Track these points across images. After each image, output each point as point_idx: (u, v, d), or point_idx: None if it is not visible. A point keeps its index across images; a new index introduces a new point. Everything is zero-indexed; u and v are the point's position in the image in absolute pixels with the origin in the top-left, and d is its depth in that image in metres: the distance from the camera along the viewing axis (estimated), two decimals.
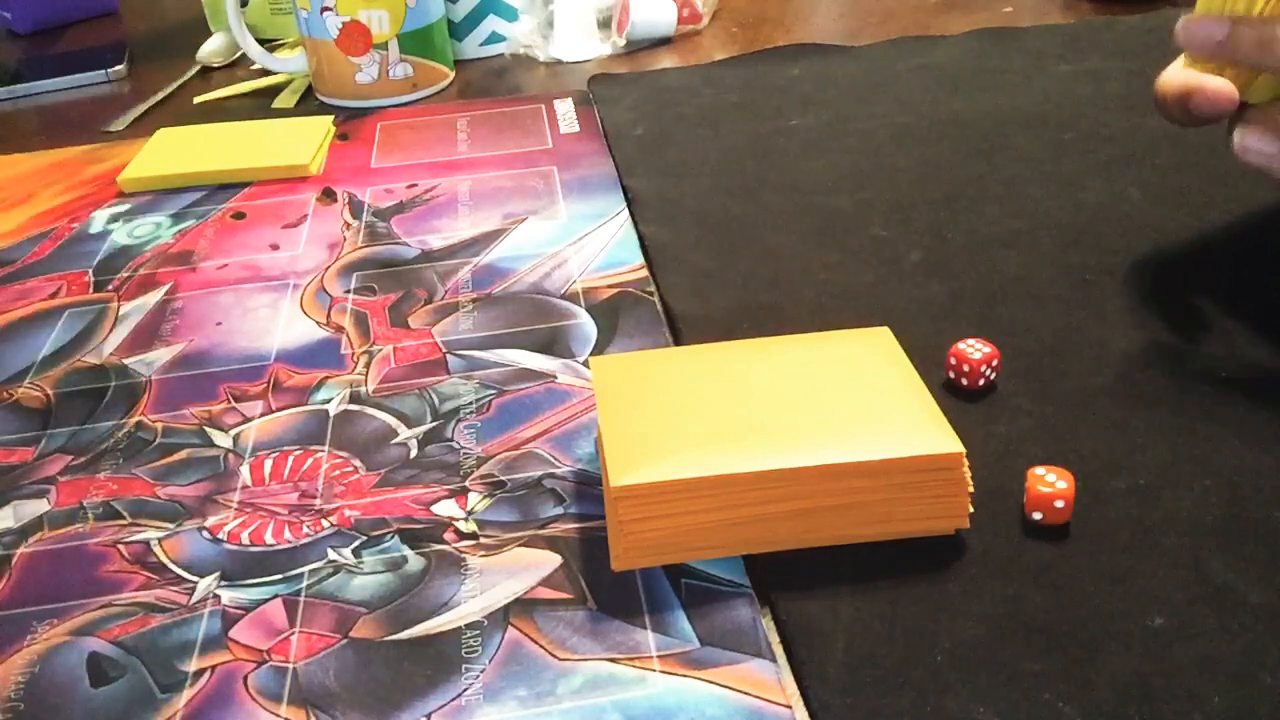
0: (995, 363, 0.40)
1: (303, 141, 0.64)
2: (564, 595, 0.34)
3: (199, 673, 0.32)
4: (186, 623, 0.34)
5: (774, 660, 0.31)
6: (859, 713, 0.29)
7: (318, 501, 0.38)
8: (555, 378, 0.43)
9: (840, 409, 0.34)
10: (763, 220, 0.53)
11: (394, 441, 0.41)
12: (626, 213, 0.55)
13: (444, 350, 0.46)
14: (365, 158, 0.64)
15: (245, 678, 0.32)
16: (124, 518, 0.38)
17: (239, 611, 0.34)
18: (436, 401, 0.43)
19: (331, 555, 0.36)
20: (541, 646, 0.32)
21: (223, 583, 0.35)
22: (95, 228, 0.58)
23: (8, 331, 0.50)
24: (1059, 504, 0.34)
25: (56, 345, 0.48)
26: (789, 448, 0.33)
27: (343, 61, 0.70)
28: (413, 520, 0.37)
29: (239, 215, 0.58)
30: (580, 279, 0.50)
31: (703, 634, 0.32)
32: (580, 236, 0.53)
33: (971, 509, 0.34)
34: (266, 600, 0.34)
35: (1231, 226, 0.49)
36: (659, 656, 0.31)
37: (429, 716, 0.30)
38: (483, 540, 0.36)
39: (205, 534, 0.37)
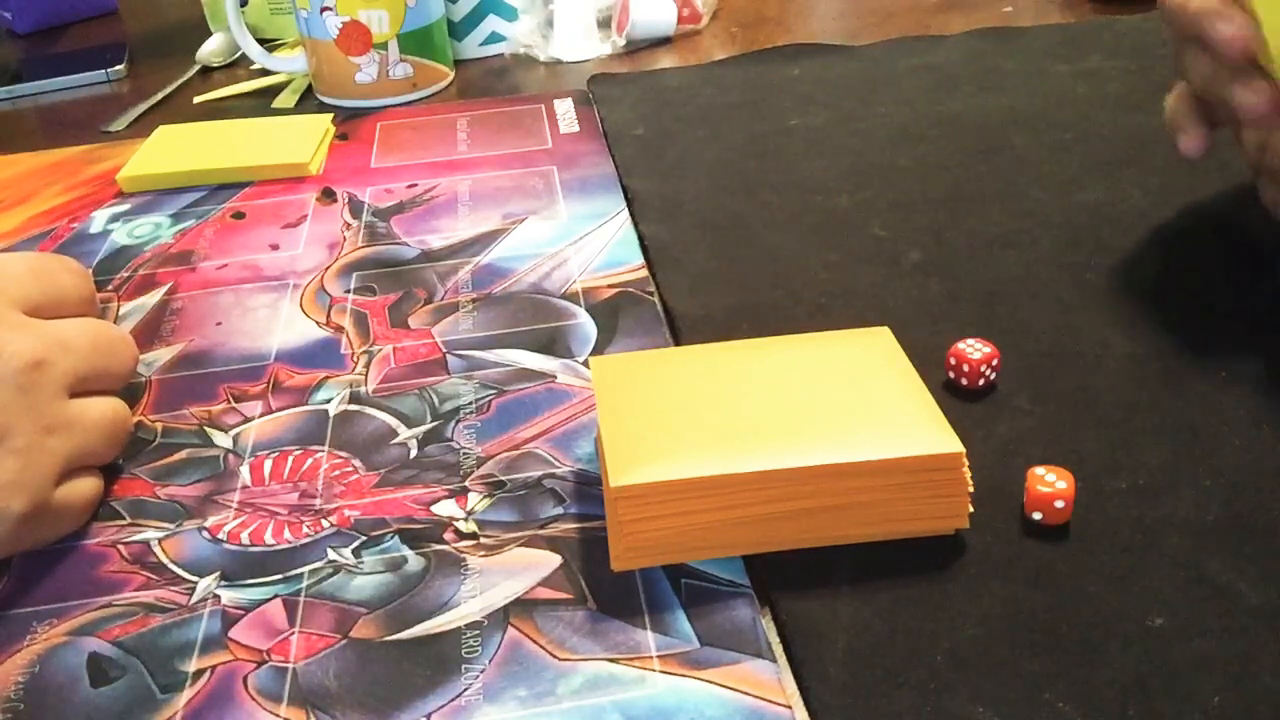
0: (995, 363, 0.40)
1: (302, 140, 0.64)
2: (564, 595, 0.34)
3: (199, 673, 0.32)
4: (186, 623, 0.34)
5: (774, 660, 0.31)
6: (859, 713, 0.29)
7: (318, 501, 0.38)
8: (555, 378, 0.43)
9: (840, 409, 0.34)
10: (763, 220, 0.53)
11: (394, 441, 0.41)
12: (626, 213, 0.55)
13: (444, 350, 0.46)
14: (365, 158, 0.64)
15: (245, 678, 0.32)
16: (124, 518, 0.38)
17: (239, 611, 0.34)
18: (436, 401, 0.43)
19: (331, 555, 0.36)
20: (541, 646, 0.32)
21: (223, 583, 0.35)
22: (95, 228, 0.58)
23: None
24: (1059, 504, 0.34)
25: None
26: (789, 448, 0.33)
27: (343, 61, 0.70)
28: (413, 520, 0.37)
29: (239, 215, 0.58)
30: (580, 279, 0.50)
31: (703, 634, 0.32)
32: (580, 236, 0.53)
33: (971, 509, 0.34)
34: (266, 600, 0.34)
35: (1231, 226, 0.49)
36: (659, 656, 0.31)
37: (429, 716, 0.30)
38: (483, 540, 0.36)
39: (205, 534, 0.37)
